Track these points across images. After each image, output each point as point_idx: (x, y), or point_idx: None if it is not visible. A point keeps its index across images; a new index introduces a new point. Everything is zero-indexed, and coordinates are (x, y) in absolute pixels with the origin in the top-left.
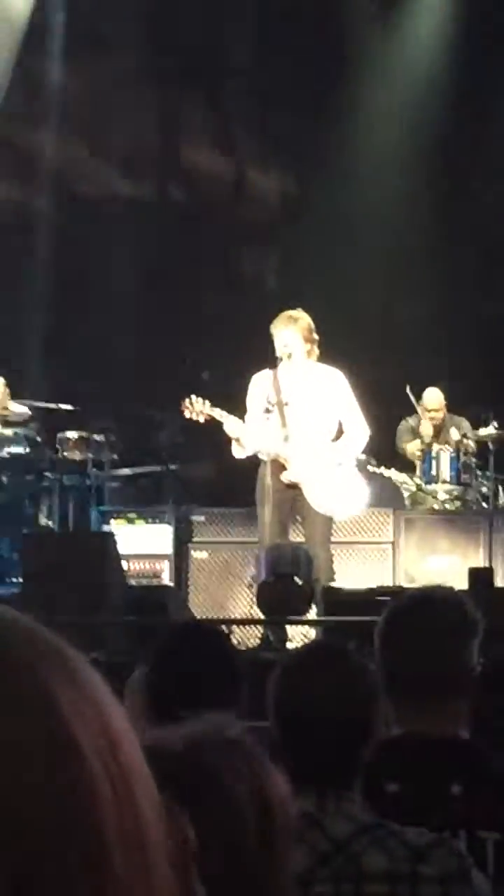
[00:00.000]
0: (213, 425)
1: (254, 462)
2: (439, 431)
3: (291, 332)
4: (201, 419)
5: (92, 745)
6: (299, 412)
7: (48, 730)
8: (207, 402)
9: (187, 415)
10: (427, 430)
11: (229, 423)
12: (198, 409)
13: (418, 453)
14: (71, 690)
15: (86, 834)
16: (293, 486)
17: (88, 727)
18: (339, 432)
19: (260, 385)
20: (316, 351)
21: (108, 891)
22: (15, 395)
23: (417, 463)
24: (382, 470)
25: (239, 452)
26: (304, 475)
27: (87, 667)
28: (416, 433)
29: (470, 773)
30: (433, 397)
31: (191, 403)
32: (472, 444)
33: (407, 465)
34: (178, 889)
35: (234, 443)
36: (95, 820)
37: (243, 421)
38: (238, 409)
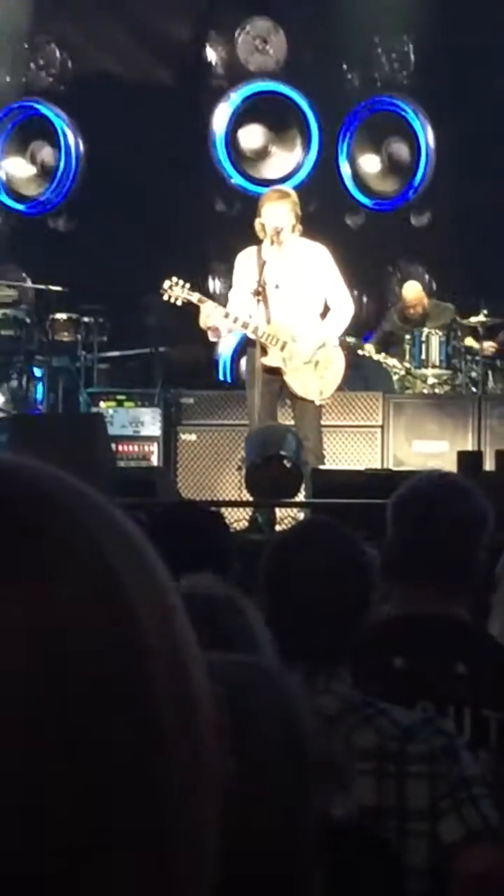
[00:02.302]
0: (192, 310)
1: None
2: (423, 322)
3: (283, 207)
4: (179, 303)
5: (147, 610)
6: (284, 293)
7: (104, 590)
8: (187, 286)
9: (165, 297)
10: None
11: (207, 307)
12: (176, 293)
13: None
14: (125, 551)
15: (138, 699)
16: (276, 371)
17: (144, 591)
18: (326, 308)
19: (246, 264)
20: (300, 227)
21: (158, 755)
22: (2, 276)
23: (407, 347)
24: (372, 353)
25: (229, 344)
26: (283, 359)
27: (137, 530)
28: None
29: (474, 653)
30: (411, 292)
31: (170, 286)
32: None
33: (397, 350)
34: (220, 768)
35: (208, 332)
36: (148, 687)
37: (224, 305)
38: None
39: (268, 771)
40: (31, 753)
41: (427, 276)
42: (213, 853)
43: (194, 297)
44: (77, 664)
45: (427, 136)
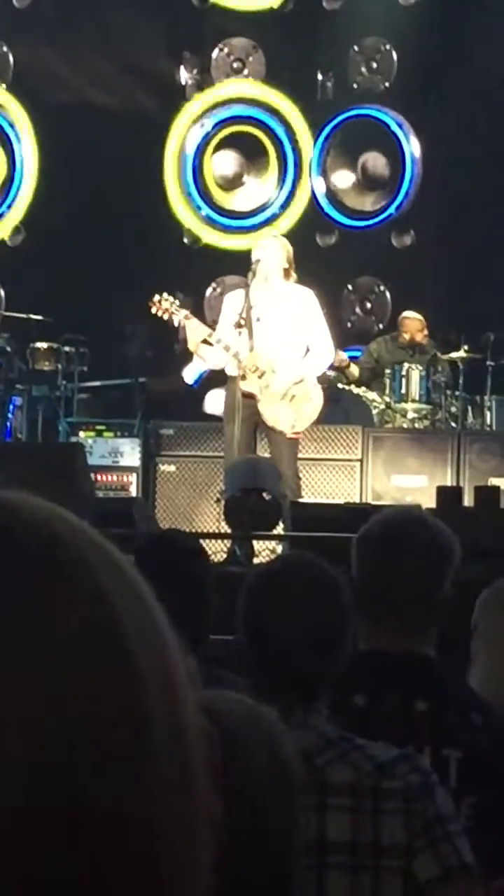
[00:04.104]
0: (176, 334)
1: (222, 377)
2: (418, 353)
3: (270, 248)
4: (166, 317)
5: (142, 643)
6: (267, 329)
7: (99, 623)
8: (176, 302)
9: (153, 310)
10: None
11: (192, 324)
12: (165, 306)
13: (354, 376)
14: (121, 585)
15: (132, 726)
16: (251, 397)
17: (139, 624)
18: (306, 351)
19: (232, 303)
20: (293, 274)
21: (151, 778)
22: None
23: (387, 381)
24: (352, 387)
25: (192, 373)
26: (260, 387)
27: (130, 565)
28: (370, 356)
29: (435, 691)
30: (416, 321)
31: (159, 301)
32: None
33: (377, 384)
34: (210, 797)
35: (192, 360)
36: (141, 712)
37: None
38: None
39: (257, 801)
40: (32, 783)
41: (388, 296)
42: (206, 885)
43: (181, 313)
44: (75, 692)
45: (412, 147)
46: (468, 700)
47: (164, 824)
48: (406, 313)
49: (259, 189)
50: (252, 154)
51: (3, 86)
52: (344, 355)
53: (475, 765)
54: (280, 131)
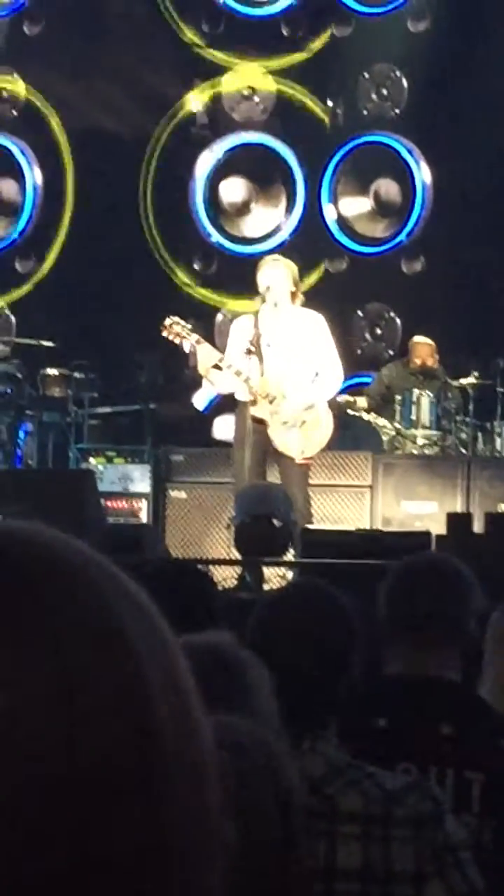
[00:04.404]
0: (186, 361)
1: (232, 403)
2: (428, 379)
3: (277, 273)
4: (178, 341)
5: (154, 666)
6: (277, 354)
7: (113, 647)
8: (187, 326)
9: (165, 334)
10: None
11: (204, 349)
12: (176, 330)
13: (363, 407)
14: (131, 609)
15: (146, 758)
16: (261, 422)
17: (151, 648)
18: (316, 376)
19: (241, 329)
20: (301, 297)
21: (161, 794)
22: None
23: (397, 407)
24: (362, 414)
25: (202, 399)
26: (270, 413)
27: (140, 591)
28: (381, 382)
29: (461, 714)
30: (426, 346)
31: (170, 325)
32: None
33: (387, 410)
34: (221, 814)
35: (202, 386)
36: (149, 722)
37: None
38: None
39: (262, 825)
40: (45, 806)
41: (398, 322)
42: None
43: (193, 337)
44: (87, 717)
45: (422, 174)
46: (495, 725)
47: (179, 837)
48: (416, 338)
49: (268, 215)
50: (261, 180)
51: (15, 112)
52: (347, 397)
53: (498, 788)
54: (290, 158)
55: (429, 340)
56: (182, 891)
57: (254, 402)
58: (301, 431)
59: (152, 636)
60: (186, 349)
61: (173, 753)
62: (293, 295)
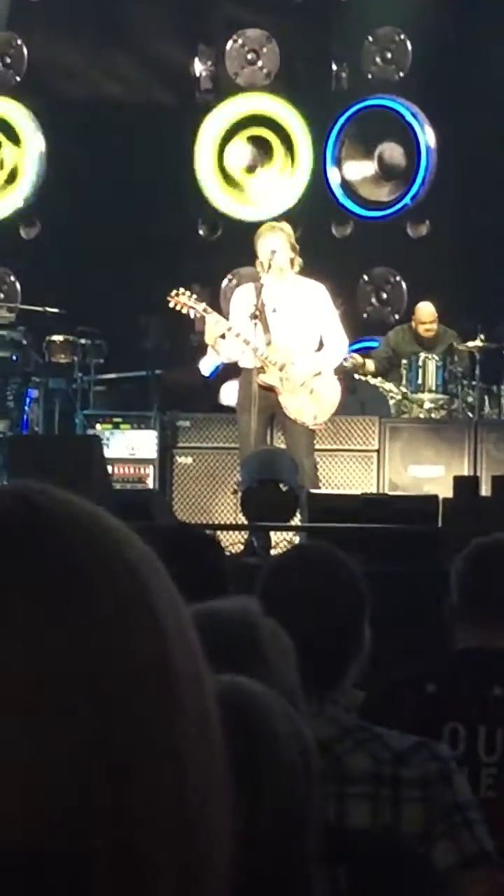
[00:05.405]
0: (192, 326)
1: (238, 369)
2: (433, 344)
3: (277, 238)
4: (185, 311)
5: (168, 613)
6: (283, 320)
7: (141, 610)
8: (194, 296)
9: (171, 304)
10: (399, 341)
11: (212, 319)
12: (182, 300)
13: (370, 370)
14: (153, 572)
15: (162, 683)
16: (270, 390)
17: (169, 608)
18: (320, 345)
19: (244, 296)
20: (299, 261)
21: (179, 736)
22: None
23: (403, 371)
24: (369, 378)
25: (208, 365)
26: (281, 379)
27: (145, 545)
28: (387, 346)
29: None
30: (427, 311)
31: (177, 294)
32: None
33: (394, 374)
34: (226, 776)
35: (207, 352)
36: (170, 670)
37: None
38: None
39: (287, 786)
40: (71, 753)
41: (404, 286)
42: (227, 856)
43: (200, 306)
44: (115, 667)
45: (427, 137)
46: None
47: (193, 786)
48: (422, 304)
49: (273, 180)
50: (267, 144)
51: (18, 78)
52: (357, 357)
53: None
54: (294, 123)
55: (430, 304)
56: (195, 826)
57: (262, 370)
58: (312, 398)
59: (172, 597)
60: (193, 317)
61: (185, 681)
62: (291, 261)
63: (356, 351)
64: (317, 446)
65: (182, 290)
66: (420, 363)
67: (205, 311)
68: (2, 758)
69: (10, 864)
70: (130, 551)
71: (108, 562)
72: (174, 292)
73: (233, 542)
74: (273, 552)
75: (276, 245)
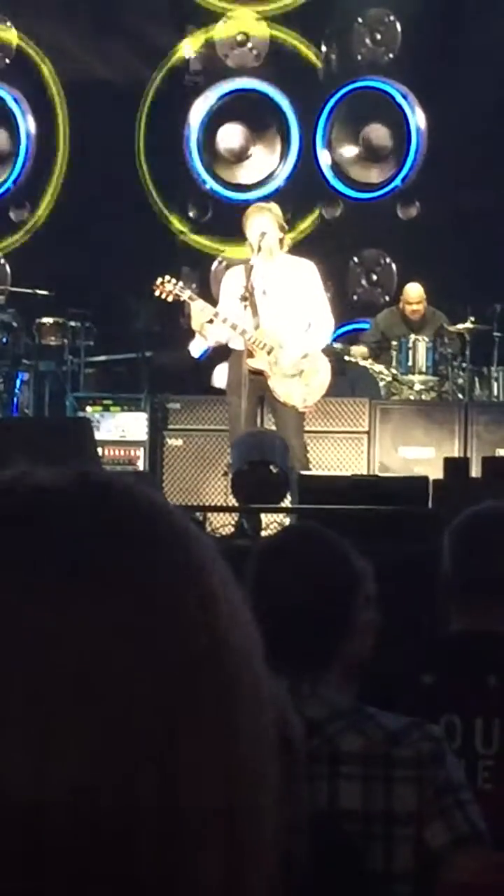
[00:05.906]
0: (182, 308)
1: (228, 351)
2: (421, 325)
3: (265, 219)
4: (170, 299)
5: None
6: (272, 303)
7: (196, 580)
8: (179, 283)
9: (157, 293)
10: (388, 322)
11: (197, 305)
12: (168, 288)
13: (363, 353)
14: (205, 548)
15: (218, 661)
16: (259, 373)
17: (222, 583)
18: (308, 324)
19: (234, 277)
20: (287, 241)
21: (236, 714)
22: None
23: (394, 353)
24: (359, 360)
25: (198, 348)
26: (269, 363)
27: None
28: (377, 328)
29: None
30: (414, 291)
31: (162, 283)
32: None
33: (384, 356)
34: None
35: (196, 335)
36: (227, 648)
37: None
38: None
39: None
40: (128, 724)
41: (394, 268)
42: (274, 855)
43: (185, 294)
44: (166, 640)
45: (417, 119)
46: None
47: (245, 767)
48: (410, 285)
49: (263, 161)
50: (257, 126)
51: (7, 61)
52: (338, 344)
53: None
54: (284, 104)
55: (418, 285)
56: (246, 800)
57: (251, 355)
58: (301, 380)
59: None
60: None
61: (239, 659)
62: (280, 241)
63: (346, 333)
64: (307, 428)
65: (167, 277)
66: (410, 345)
67: (190, 298)
68: (57, 719)
69: (62, 824)
70: (193, 541)
71: (171, 547)
72: (159, 281)
73: (223, 524)
74: (263, 534)
75: (265, 226)
